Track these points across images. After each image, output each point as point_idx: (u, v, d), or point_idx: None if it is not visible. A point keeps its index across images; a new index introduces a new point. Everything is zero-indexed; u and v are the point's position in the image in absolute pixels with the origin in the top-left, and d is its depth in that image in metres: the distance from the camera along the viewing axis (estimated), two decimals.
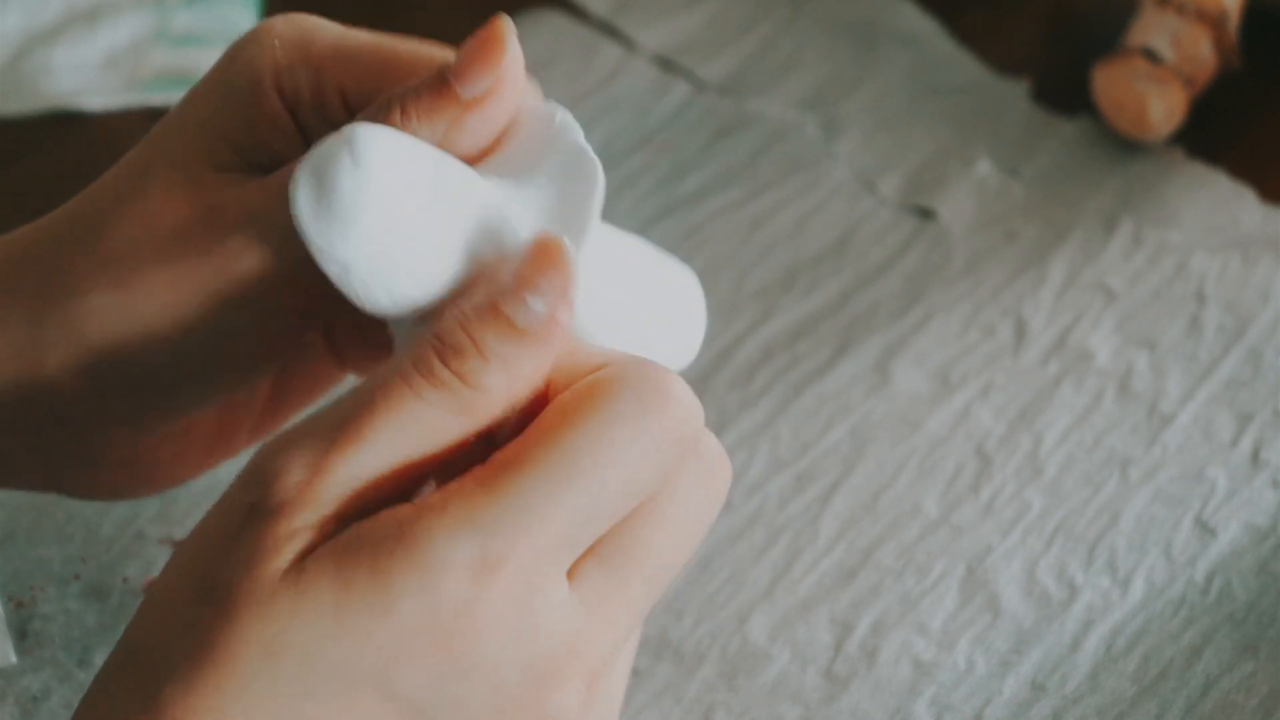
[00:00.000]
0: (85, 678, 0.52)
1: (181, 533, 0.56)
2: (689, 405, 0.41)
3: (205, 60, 0.73)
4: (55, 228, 0.45)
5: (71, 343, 0.44)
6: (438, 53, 0.45)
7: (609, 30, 0.73)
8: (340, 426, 0.39)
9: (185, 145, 0.45)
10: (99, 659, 0.53)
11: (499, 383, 0.40)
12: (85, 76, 0.72)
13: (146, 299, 0.43)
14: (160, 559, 0.55)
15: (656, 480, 0.40)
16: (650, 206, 0.67)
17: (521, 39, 0.74)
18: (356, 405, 0.39)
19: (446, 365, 0.39)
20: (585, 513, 0.39)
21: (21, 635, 0.53)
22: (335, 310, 0.44)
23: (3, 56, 0.73)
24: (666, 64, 0.72)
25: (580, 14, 0.74)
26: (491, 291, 0.40)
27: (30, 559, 0.55)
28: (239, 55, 0.45)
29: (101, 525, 0.56)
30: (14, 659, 0.53)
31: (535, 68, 0.72)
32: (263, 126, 0.45)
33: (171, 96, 0.71)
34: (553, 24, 0.74)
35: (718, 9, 0.74)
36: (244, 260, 0.43)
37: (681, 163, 0.68)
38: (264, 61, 0.45)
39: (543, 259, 0.40)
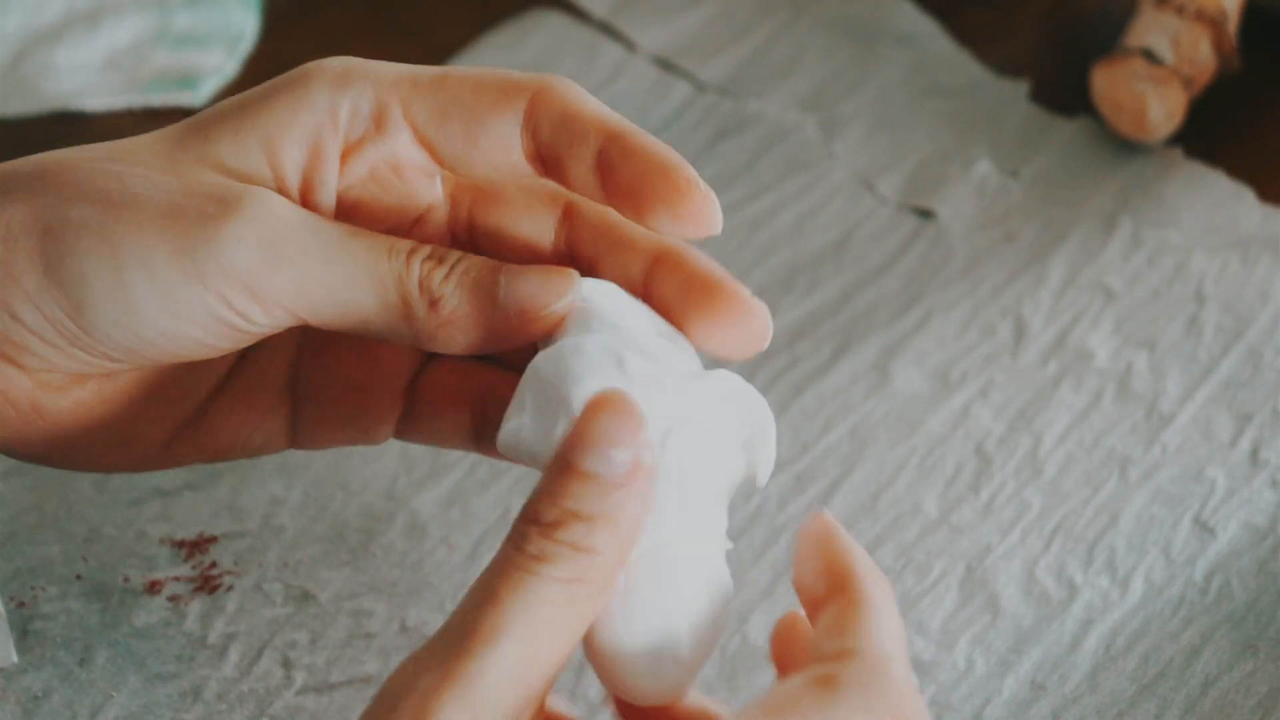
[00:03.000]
0: (86, 677, 0.52)
1: (183, 532, 0.56)
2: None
3: (205, 61, 0.73)
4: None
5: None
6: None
7: (609, 31, 0.74)
8: (464, 634, 0.39)
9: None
10: (100, 659, 0.53)
11: (607, 540, 0.40)
12: (86, 77, 0.72)
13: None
14: (161, 559, 0.55)
15: None
16: None
17: (521, 39, 0.74)
18: (474, 607, 0.40)
19: (551, 539, 0.40)
20: None
21: (22, 634, 0.53)
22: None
23: (3, 57, 0.73)
24: (666, 65, 0.72)
25: (580, 14, 0.74)
26: (568, 457, 0.40)
27: (31, 558, 0.55)
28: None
29: (103, 525, 0.56)
30: (15, 658, 0.53)
31: (535, 68, 0.72)
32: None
33: (171, 96, 0.71)
34: (553, 24, 0.74)
35: (718, 10, 0.74)
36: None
37: None
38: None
39: (609, 409, 0.41)
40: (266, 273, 0.42)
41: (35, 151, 0.71)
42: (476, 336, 0.44)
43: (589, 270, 0.46)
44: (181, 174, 0.44)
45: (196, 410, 0.48)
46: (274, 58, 0.74)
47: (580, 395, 0.41)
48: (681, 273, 0.46)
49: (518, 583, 0.39)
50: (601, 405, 0.41)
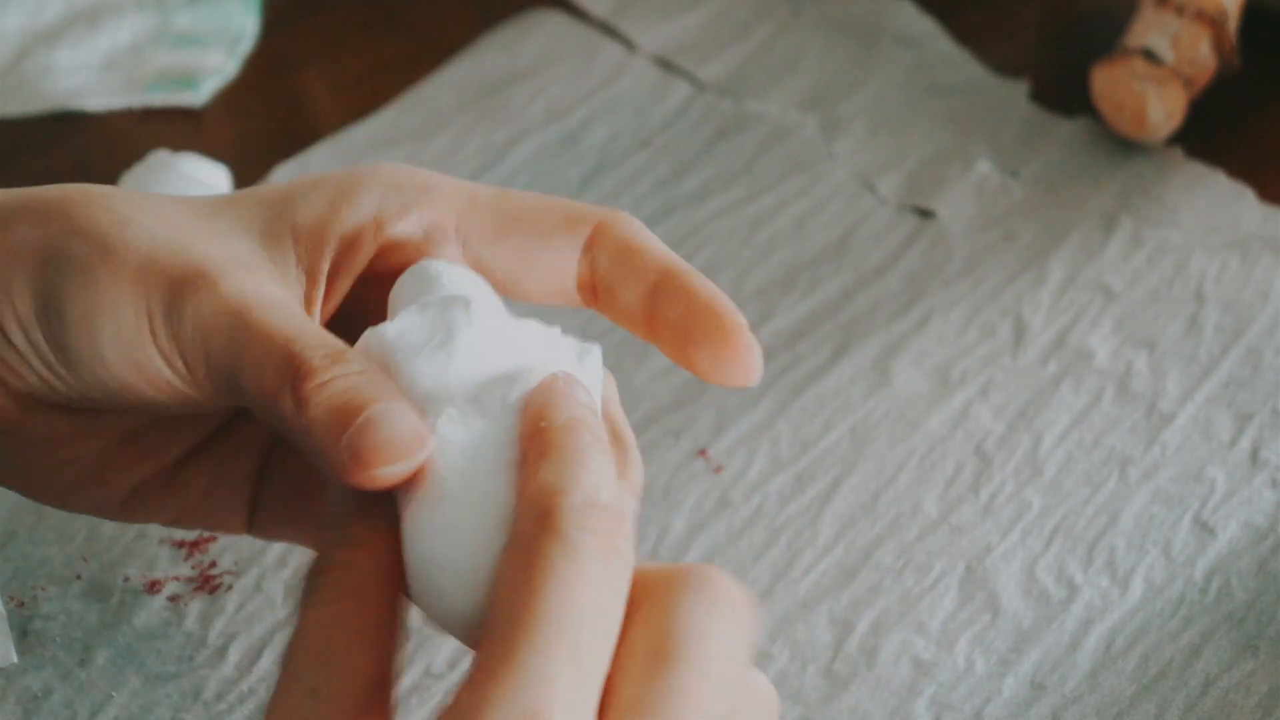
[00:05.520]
0: (86, 677, 0.52)
1: (182, 533, 0.56)
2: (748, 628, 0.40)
3: (205, 61, 0.73)
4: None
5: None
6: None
7: (609, 30, 0.74)
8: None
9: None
10: (100, 658, 0.53)
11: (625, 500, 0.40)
12: (86, 77, 0.72)
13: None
14: (161, 559, 0.55)
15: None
16: (650, 207, 0.67)
17: (521, 39, 0.74)
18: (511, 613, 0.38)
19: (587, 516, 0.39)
20: None
21: (23, 634, 0.53)
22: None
23: (3, 57, 0.73)
24: (666, 65, 0.72)
25: (580, 14, 0.74)
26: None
27: (31, 558, 0.55)
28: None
29: (103, 525, 0.56)
30: (15, 658, 0.53)
31: (535, 68, 0.72)
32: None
33: (171, 97, 0.71)
34: (553, 24, 0.74)
35: (718, 10, 0.74)
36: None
37: (681, 163, 0.68)
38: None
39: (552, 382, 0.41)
40: (199, 348, 0.42)
41: (35, 152, 0.71)
42: (326, 465, 0.41)
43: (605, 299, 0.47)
44: (184, 234, 0.44)
45: (166, 468, 0.48)
46: (274, 58, 0.74)
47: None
48: (684, 298, 0.45)
49: (558, 570, 0.38)
50: (550, 381, 0.41)
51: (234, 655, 0.53)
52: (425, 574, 0.40)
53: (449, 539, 0.40)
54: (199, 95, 0.72)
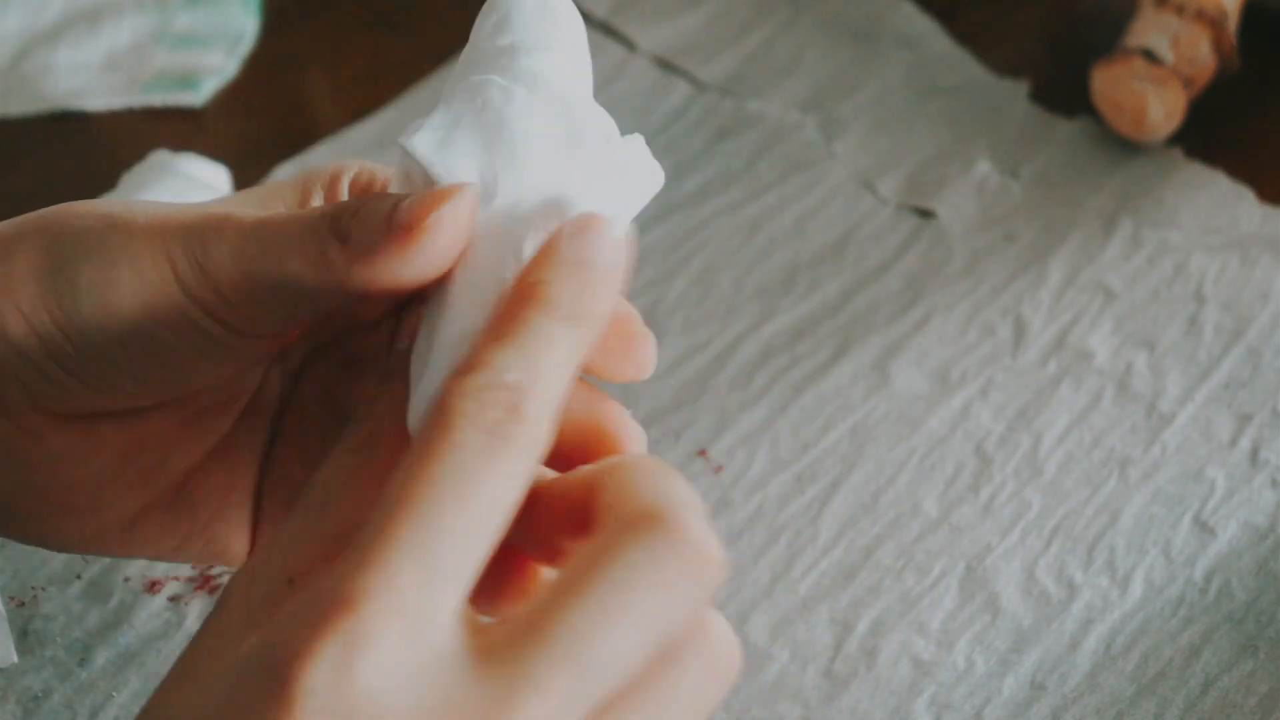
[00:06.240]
0: (86, 677, 0.52)
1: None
2: (711, 566, 0.38)
3: (206, 61, 0.73)
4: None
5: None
6: None
7: (609, 30, 0.74)
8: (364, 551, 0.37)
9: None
10: (100, 658, 0.53)
11: (370, 415, 0.40)
12: (86, 77, 0.72)
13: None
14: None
15: (656, 654, 0.38)
16: (650, 207, 0.66)
17: None
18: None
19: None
20: (581, 697, 0.37)
21: (23, 634, 0.53)
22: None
23: (4, 57, 0.73)
24: (666, 65, 0.72)
25: (580, 14, 0.74)
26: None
27: (31, 559, 0.55)
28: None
29: None
30: (15, 658, 0.53)
31: None
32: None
33: (171, 97, 0.72)
34: None
35: (718, 10, 0.74)
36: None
37: (682, 163, 0.68)
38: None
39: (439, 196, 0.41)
40: (238, 268, 0.43)
41: (35, 152, 0.71)
42: (386, 270, 0.42)
43: None
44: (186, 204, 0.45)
45: (168, 492, 0.48)
46: (274, 58, 0.74)
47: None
48: None
49: (450, 459, 0.37)
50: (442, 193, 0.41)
51: None
52: (417, 360, 0.41)
53: (438, 337, 0.40)
54: (199, 95, 0.72)
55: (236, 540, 0.48)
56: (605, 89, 0.71)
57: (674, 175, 0.68)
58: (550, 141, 0.41)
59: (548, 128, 0.42)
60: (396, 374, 0.43)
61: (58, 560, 0.55)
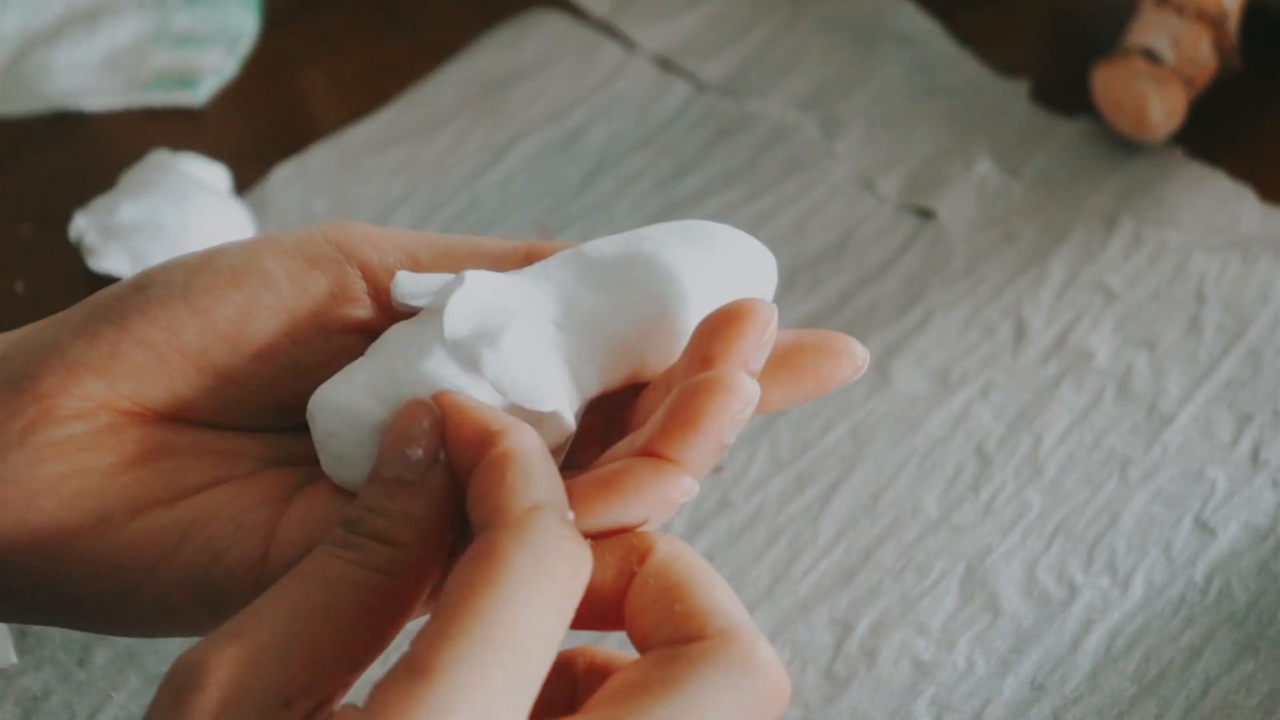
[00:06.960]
0: (85, 677, 0.52)
1: None
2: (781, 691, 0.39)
3: (205, 61, 0.73)
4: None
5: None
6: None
7: (609, 30, 0.74)
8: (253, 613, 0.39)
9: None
10: (99, 659, 0.53)
11: (407, 534, 0.41)
12: (85, 77, 0.72)
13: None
14: None
15: None
16: (650, 206, 0.67)
17: (521, 39, 0.74)
18: (278, 587, 0.40)
19: (357, 534, 0.41)
20: None
21: (22, 635, 0.53)
22: None
23: (3, 56, 0.73)
24: (666, 64, 0.72)
25: (580, 14, 0.74)
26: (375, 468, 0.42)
27: None
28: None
29: None
30: (14, 659, 0.53)
31: (535, 67, 0.72)
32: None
33: (171, 96, 0.71)
34: (553, 24, 0.74)
35: (718, 9, 0.74)
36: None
37: (682, 163, 0.68)
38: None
39: (410, 414, 0.42)
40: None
41: (34, 152, 0.71)
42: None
43: None
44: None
45: (175, 498, 0.47)
46: (274, 58, 0.74)
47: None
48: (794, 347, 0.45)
49: (322, 565, 0.40)
50: (410, 409, 0.42)
51: None
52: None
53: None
54: (199, 95, 0.72)
55: (238, 543, 0.48)
56: (605, 88, 0.71)
57: (674, 175, 0.68)
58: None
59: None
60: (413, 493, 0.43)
61: None
